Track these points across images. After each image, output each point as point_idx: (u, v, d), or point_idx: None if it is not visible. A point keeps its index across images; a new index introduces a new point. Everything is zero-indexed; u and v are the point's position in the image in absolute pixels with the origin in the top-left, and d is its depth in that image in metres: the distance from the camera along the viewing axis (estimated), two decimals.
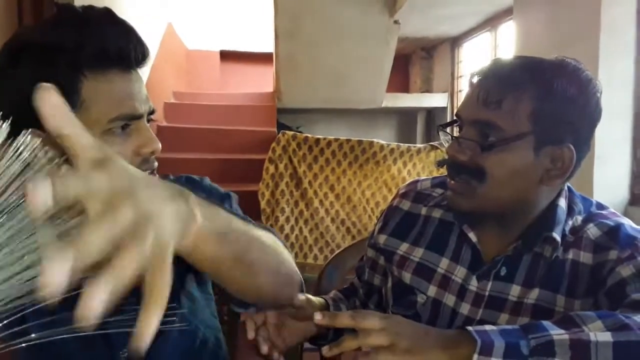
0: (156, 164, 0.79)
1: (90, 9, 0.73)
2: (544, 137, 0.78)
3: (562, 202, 0.85)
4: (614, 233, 0.80)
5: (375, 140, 3.45)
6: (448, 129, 0.90)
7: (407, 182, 1.08)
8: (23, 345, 0.48)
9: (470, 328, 0.64)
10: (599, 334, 0.61)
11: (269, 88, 5.59)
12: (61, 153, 0.49)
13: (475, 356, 0.61)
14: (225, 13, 6.77)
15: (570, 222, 0.84)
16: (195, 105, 5.03)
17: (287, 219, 3.38)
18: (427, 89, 6.10)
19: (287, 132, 3.47)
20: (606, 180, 2.28)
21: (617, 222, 0.82)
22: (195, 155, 4.24)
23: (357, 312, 0.69)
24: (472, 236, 0.89)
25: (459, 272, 0.89)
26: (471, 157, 0.81)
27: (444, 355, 0.64)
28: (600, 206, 0.88)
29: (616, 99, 2.26)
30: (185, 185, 0.89)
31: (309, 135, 3.47)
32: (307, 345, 1.10)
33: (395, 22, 4.46)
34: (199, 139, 4.45)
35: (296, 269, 0.78)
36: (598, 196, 2.23)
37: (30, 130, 0.49)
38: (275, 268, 0.70)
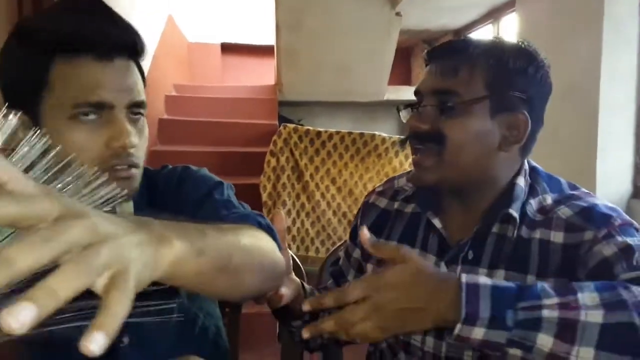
0: (134, 159, 0.76)
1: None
2: (498, 103, 0.83)
3: (521, 181, 0.87)
4: (587, 213, 0.80)
5: (376, 133, 3.44)
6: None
7: (384, 181, 1.10)
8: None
9: (463, 285, 0.62)
10: (590, 312, 0.59)
11: (271, 81, 5.57)
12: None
13: (459, 326, 0.61)
14: (226, 5, 6.74)
15: (533, 202, 0.85)
16: (197, 98, 5.02)
17: (289, 212, 3.38)
18: None
19: (288, 124, 3.46)
20: (609, 173, 2.27)
21: (590, 202, 0.82)
22: (196, 148, 4.24)
23: (338, 290, 0.68)
24: (436, 222, 0.91)
25: (429, 261, 0.90)
26: (431, 124, 0.85)
27: (429, 315, 0.63)
28: (573, 186, 0.89)
29: (619, 91, 2.26)
30: (182, 174, 0.89)
31: (310, 128, 3.46)
32: None
33: (397, 14, 4.44)
34: (201, 132, 4.44)
35: (277, 254, 0.75)
36: (601, 189, 2.22)
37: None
38: (259, 266, 0.68)
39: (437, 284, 0.65)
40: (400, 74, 6.19)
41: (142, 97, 0.78)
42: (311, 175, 3.40)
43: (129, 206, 0.82)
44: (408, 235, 0.96)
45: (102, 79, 0.72)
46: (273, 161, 3.39)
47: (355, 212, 3.69)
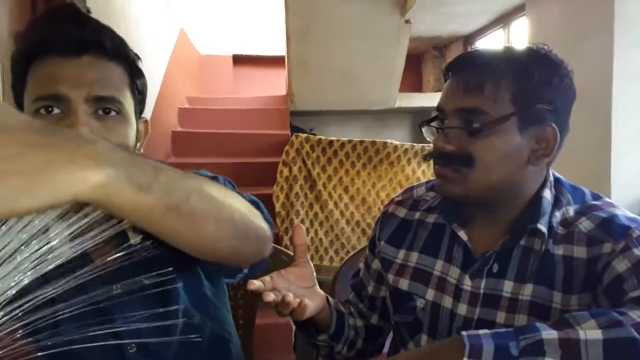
0: None
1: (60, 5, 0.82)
2: (526, 118, 0.80)
3: (547, 193, 0.85)
4: (607, 225, 0.79)
5: (388, 140, 3.44)
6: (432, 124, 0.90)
7: (403, 190, 1.08)
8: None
9: (463, 333, 0.64)
10: (589, 332, 0.60)
11: (282, 91, 5.60)
12: None
13: None
14: (237, 17, 6.79)
15: (558, 214, 0.84)
16: (209, 110, 5.05)
17: (302, 222, 3.38)
18: (440, 88, 6.03)
19: (300, 134, 3.47)
20: (624, 176, 2.24)
21: (610, 213, 0.80)
22: (209, 159, 4.26)
23: None
24: (462, 234, 0.89)
25: (453, 273, 0.89)
26: (458, 145, 0.82)
27: None
28: (596, 196, 0.87)
29: (632, 93, 2.23)
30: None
31: (322, 137, 3.47)
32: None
33: (407, 21, 4.44)
34: (213, 144, 4.46)
35: (258, 219, 0.74)
36: (616, 192, 2.20)
37: None
38: (227, 219, 0.65)
39: (438, 344, 0.69)
40: (411, 80, 6.18)
41: (110, 92, 0.79)
42: (324, 185, 3.40)
43: None
44: (431, 246, 0.94)
45: (60, 73, 0.76)
46: (286, 171, 3.40)
47: (368, 220, 3.67)
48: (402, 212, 1.02)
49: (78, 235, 0.49)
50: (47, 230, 0.46)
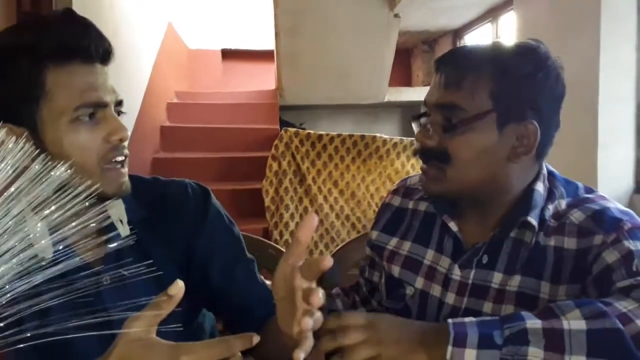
0: (127, 151, 0.83)
1: (51, 12, 0.79)
2: (505, 114, 0.80)
3: (540, 186, 0.85)
4: (598, 216, 0.79)
5: (377, 134, 3.44)
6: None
7: (398, 181, 1.09)
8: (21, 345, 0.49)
9: (449, 320, 0.65)
10: (573, 322, 0.61)
11: (271, 86, 5.58)
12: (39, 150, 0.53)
13: (449, 347, 0.62)
14: (225, 11, 6.76)
15: (550, 207, 0.84)
16: (198, 105, 5.03)
17: (292, 216, 3.38)
18: (430, 82, 6.05)
19: (289, 129, 3.47)
20: (610, 169, 2.26)
21: (602, 206, 0.81)
22: (198, 154, 4.25)
23: (339, 314, 0.69)
24: (452, 225, 0.89)
25: (443, 262, 0.90)
26: (438, 141, 0.82)
27: (421, 348, 0.65)
28: (589, 190, 0.87)
29: (619, 86, 2.25)
30: (206, 203, 0.93)
31: (311, 131, 3.47)
32: None
33: (396, 15, 4.44)
34: (202, 138, 4.45)
35: None
36: (602, 185, 2.21)
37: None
38: None
39: (427, 325, 0.69)
40: (401, 75, 6.19)
41: (121, 96, 0.84)
42: (313, 179, 3.40)
43: (120, 205, 0.84)
44: (424, 234, 0.95)
45: (94, 80, 0.78)
46: (275, 165, 3.39)
47: (358, 214, 3.68)
48: (396, 201, 1.03)
49: (57, 226, 0.49)
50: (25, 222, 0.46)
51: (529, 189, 0.85)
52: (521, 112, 0.80)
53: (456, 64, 0.82)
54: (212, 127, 4.58)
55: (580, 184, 0.88)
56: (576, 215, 0.81)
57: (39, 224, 0.48)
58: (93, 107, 0.77)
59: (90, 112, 0.77)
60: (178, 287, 0.57)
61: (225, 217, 0.96)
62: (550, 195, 0.85)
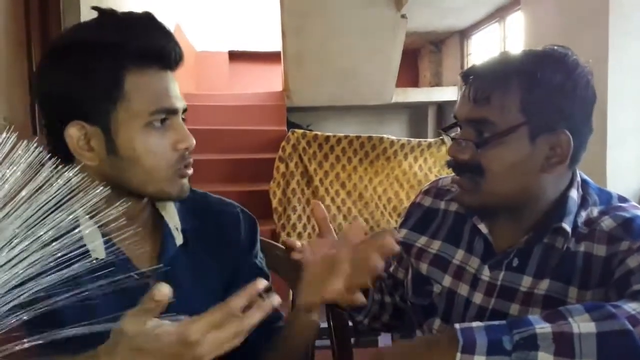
0: (191, 159, 0.83)
1: (130, 13, 0.78)
2: (537, 126, 0.79)
3: (574, 193, 0.85)
4: (628, 224, 0.79)
5: (385, 136, 3.43)
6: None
7: (430, 181, 1.11)
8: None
9: (456, 326, 0.64)
10: (582, 325, 0.60)
11: (278, 87, 5.59)
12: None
13: (458, 355, 0.61)
14: (233, 13, 6.78)
15: (583, 214, 0.84)
16: (205, 106, 5.04)
17: (299, 218, 3.39)
18: (437, 82, 6.05)
19: (296, 130, 3.47)
20: (619, 168, 2.24)
21: (633, 214, 0.80)
22: (206, 156, 4.25)
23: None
24: (482, 227, 0.90)
25: (473, 262, 0.91)
26: (471, 155, 0.82)
27: (429, 354, 0.65)
28: (622, 199, 0.86)
29: (628, 84, 2.23)
30: (253, 227, 0.96)
31: (318, 133, 3.47)
32: (318, 342, 1.11)
33: (403, 16, 4.44)
34: (210, 140, 4.45)
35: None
36: (611, 184, 2.20)
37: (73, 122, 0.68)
38: None
39: (433, 337, 0.70)
40: (408, 75, 6.18)
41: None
42: (320, 180, 3.40)
43: (174, 213, 0.86)
44: (454, 234, 0.96)
45: (168, 87, 0.79)
46: (282, 167, 3.40)
47: (365, 215, 3.68)
48: (427, 201, 1.04)
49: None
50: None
51: (564, 196, 0.84)
52: (552, 122, 0.79)
53: (484, 78, 0.82)
54: (220, 128, 4.59)
55: (614, 193, 0.88)
56: (607, 223, 0.81)
57: (89, 228, 0.49)
58: (166, 113, 0.78)
59: (162, 117, 0.77)
60: (163, 294, 0.55)
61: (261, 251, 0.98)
62: (584, 203, 0.85)
